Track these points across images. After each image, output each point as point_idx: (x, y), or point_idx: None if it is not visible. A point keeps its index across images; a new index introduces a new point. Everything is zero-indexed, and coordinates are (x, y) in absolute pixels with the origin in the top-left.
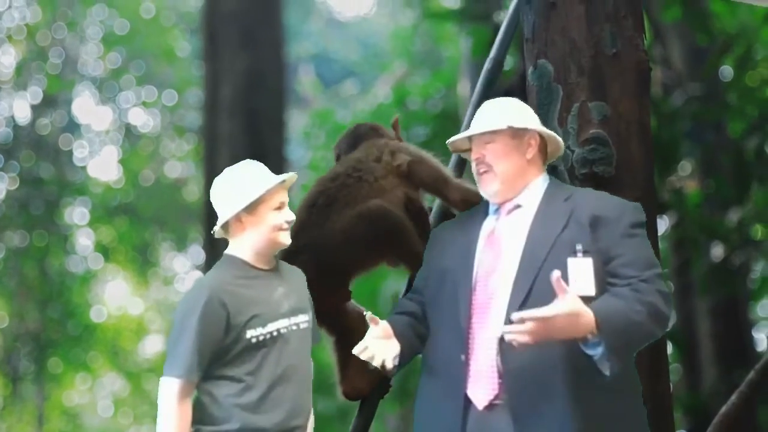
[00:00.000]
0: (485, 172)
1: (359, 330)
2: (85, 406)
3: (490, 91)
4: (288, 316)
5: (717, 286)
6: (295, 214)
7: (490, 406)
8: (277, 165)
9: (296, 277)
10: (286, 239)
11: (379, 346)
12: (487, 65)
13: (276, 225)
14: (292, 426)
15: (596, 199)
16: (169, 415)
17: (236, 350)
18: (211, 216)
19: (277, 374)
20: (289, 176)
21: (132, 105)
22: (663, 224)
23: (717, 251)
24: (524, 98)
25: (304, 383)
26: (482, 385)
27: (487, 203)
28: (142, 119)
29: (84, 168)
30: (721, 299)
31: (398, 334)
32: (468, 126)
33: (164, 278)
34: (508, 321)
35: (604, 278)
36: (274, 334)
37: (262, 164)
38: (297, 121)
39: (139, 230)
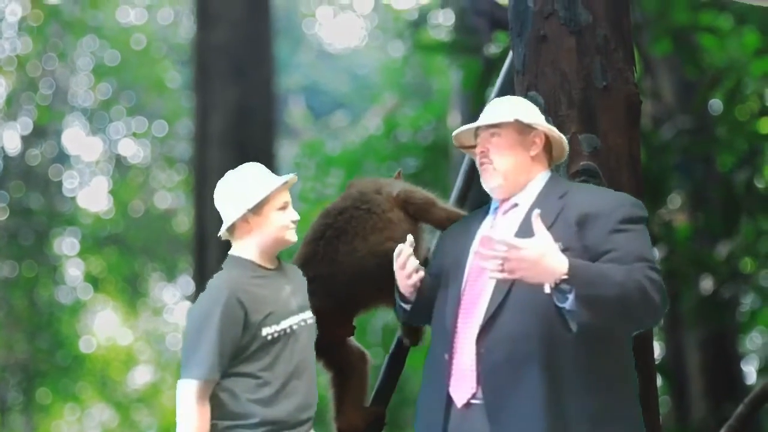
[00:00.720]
0: (488, 165)
1: (358, 367)
2: None
3: None
4: (297, 312)
5: (706, 319)
6: (302, 248)
7: (468, 405)
8: None
9: (298, 276)
10: (292, 237)
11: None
12: None
13: (282, 224)
14: (303, 419)
15: (591, 196)
16: (190, 417)
17: (253, 348)
18: (201, 247)
19: (290, 369)
20: (291, 177)
21: (122, 136)
22: None
23: (706, 284)
24: None
25: (312, 377)
26: (463, 383)
27: (489, 204)
28: (132, 150)
29: (74, 198)
30: (711, 332)
31: (424, 277)
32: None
33: (154, 309)
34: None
35: None
36: (287, 330)
37: (262, 165)
38: (287, 152)
39: (128, 261)
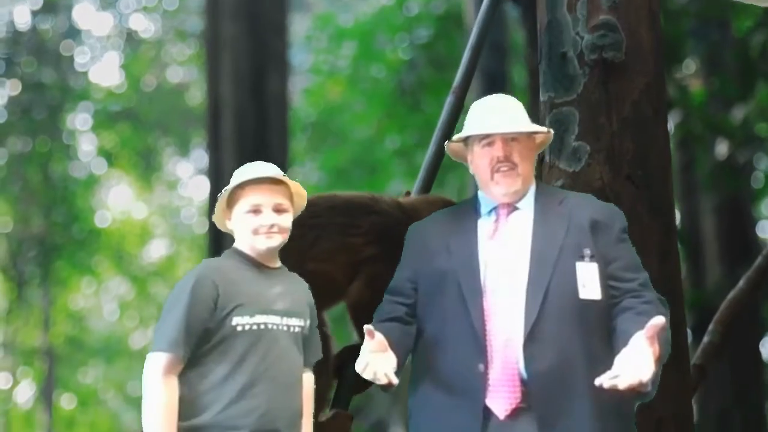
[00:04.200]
0: (510, 169)
1: None
2: (91, 310)
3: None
4: (280, 315)
5: (721, 183)
6: None
7: (513, 414)
8: (280, 69)
9: (298, 284)
10: (261, 244)
11: (380, 361)
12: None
13: (252, 228)
14: (267, 429)
15: (589, 203)
16: (156, 391)
17: (219, 336)
18: (214, 121)
19: (259, 371)
20: (259, 175)
21: (133, 10)
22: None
23: (721, 149)
24: None
25: (290, 388)
26: (502, 393)
27: (473, 206)
28: (143, 24)
29: (85, 74)
30: (726, 197)
31: (394, 345)
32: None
33: (168, 183)
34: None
35: (605, 281)
36: (261, 327)
37: (264, 164)
38: (299, 26)
39: (141, 135)
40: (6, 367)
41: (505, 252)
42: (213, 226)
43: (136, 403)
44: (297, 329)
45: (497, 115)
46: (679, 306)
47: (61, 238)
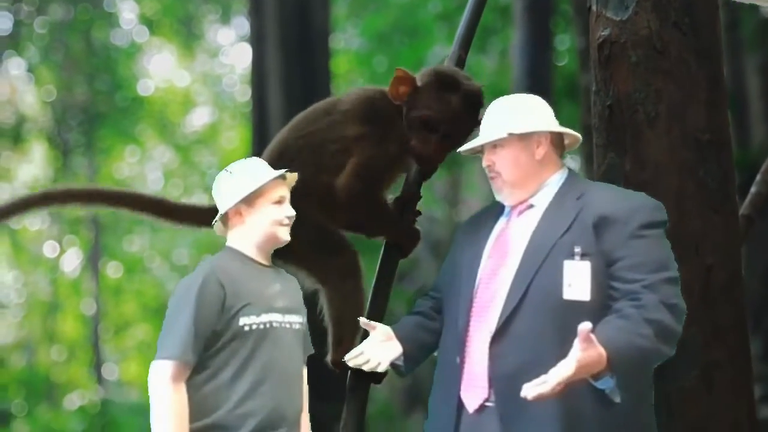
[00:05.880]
0: (495, 177)
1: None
2: (135, 178)
3: None
4: (282, 312)
5: (766, 42)
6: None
7: (481, 409)
8: None
9: (291, 282)
10: (284, 235)
11: (375, 349)
12: None
13: (276, 219)
14: (273, 425)
15: (609, 197)
16: (165, 400)
17: (227, 337)
18: None
19: (266, 369)
20: (288, 173)
21: None
22: None
23: (766, 9)
24: None
25: (294, 385)
26: (474, 388)
27: (501, 205)
28: None
29: None
30: None
31: (402, 337)
32: None
33: (209, 50)
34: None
35: (606, 281)
36: (267, 326)
37: (263, 160)
38: None
39: (183, 2)
40: (52, 235)
41: (504, 250)
42: (256, 94)
43: (182, 271)
44: (297, 326)
45: (485, 125)
46: (728, 155)
47: (104, 107)
